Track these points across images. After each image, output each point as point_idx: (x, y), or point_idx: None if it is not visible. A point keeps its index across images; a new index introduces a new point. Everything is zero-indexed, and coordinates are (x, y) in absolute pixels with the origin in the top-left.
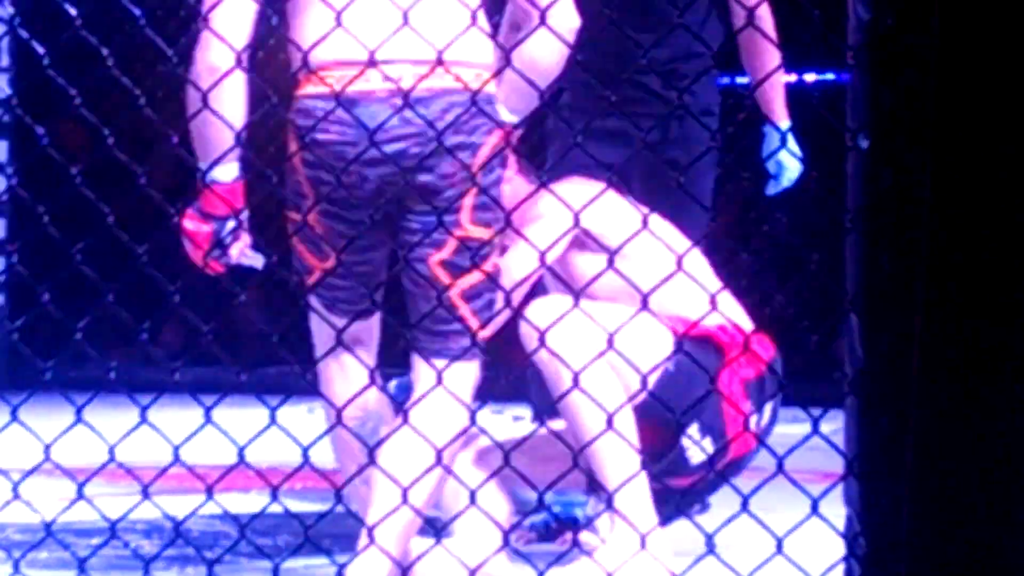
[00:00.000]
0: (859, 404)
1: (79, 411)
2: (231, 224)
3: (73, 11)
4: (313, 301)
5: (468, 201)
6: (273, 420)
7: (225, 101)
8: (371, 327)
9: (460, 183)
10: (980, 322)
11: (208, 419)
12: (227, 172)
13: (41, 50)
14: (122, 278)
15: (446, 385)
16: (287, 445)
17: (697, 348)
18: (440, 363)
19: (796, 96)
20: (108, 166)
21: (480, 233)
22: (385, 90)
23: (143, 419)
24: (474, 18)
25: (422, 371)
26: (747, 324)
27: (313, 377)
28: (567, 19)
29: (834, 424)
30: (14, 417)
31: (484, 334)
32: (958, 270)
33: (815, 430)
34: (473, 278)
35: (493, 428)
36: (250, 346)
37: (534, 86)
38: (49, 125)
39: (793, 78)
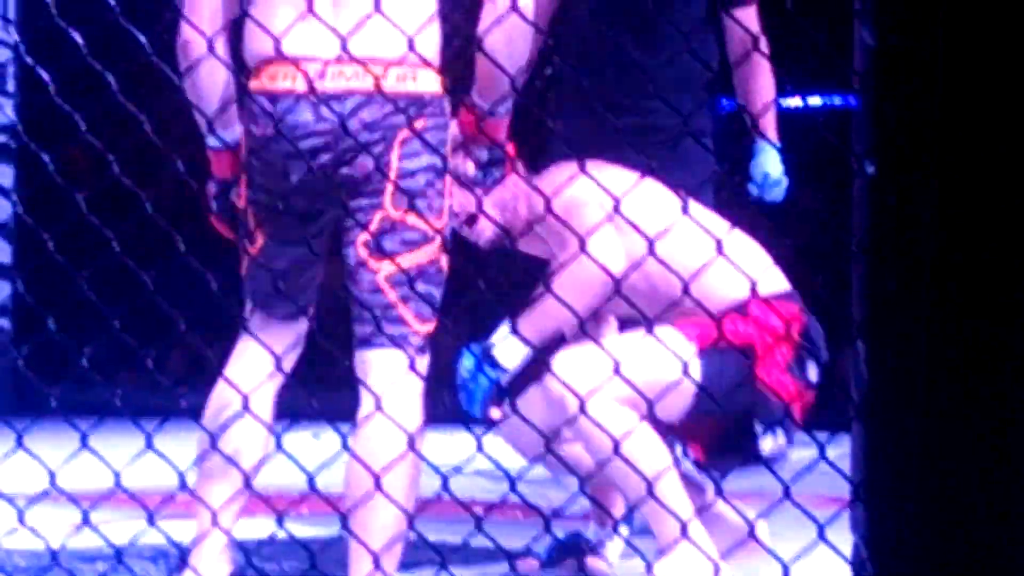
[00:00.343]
0: (865, 430)
1: (84, 438)
2: (238, 189)
3: (78, 38)
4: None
5: (390, 183)
6: (279, 446)
7: (202, 75)
8: (292, 333)
9: (379, 168)
10: (987, 345)
11: (214, 446)
12: (216, 139)
13: (46, 77)
14: (128, 304)
15: (385, 378)
16: (293, 470)
17: (726, 354)
18: (374, 354)
19: (802, 119)
20: (114, 191)
21: (406, 217)
22: (304, 88)
23: (148, 445)
24: (430, 15)
25: (358, 365)
26: (778, 283)
27: (318, 403)
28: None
29: (841, 448)
30: (19, 444)
31: (422, 328)
32: (965, 294)
33: (822, 455)
34: (403, 262)
35: (500, 456)
36: None
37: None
38: (55, 150)
39: (798, 102)
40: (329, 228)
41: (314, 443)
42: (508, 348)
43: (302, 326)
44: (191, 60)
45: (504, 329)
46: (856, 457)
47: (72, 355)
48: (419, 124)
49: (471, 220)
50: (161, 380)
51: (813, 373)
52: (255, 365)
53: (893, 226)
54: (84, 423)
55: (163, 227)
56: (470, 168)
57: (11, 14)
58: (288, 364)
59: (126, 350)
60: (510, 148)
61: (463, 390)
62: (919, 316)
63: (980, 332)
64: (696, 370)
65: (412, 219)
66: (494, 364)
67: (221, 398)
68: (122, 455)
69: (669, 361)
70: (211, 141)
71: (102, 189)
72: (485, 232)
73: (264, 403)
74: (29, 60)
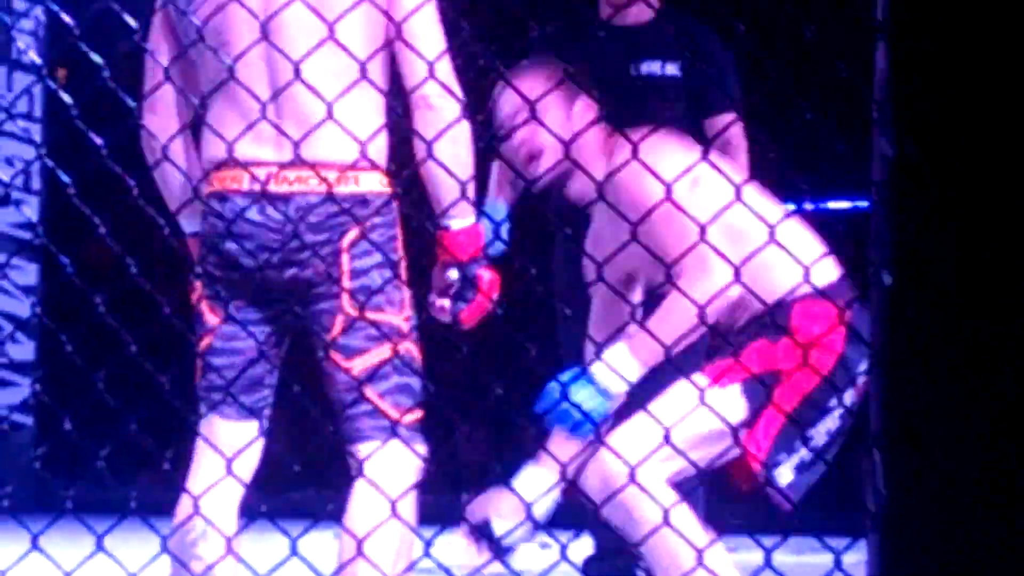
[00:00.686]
0: (881, 540)
1: (99, 541)
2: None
3: (99, 140)
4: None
5: (345, 284)
6: (294, 551)
7: (168, 168)
8: (249, 434)
9: (330, 270)
10: (1009, 457)
11: (229, 549)
12: (186, 226)
13: (66, 179)
14: (144, 405)
15: (376, 474)
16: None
17: (764, 384)
18: (362, 447)
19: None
20: (135, 288)
21: (367, 315)
22: (250, 189)
23: (164, 548)
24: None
25: (350, 463)
26: (829, 272)
27: (335, 505)
28: (450, 100)
29: (859, 554)
30: (34, 545)
31: (406, 419)
32: (985, 406)
33: (837, 566)
34: (372, 359)
35: (522, 557)
36: (273, 471)
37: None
38: (81, 243)
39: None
40: (284, 329)
41: (335, 543)
42: (616, 372)
43: (258, 426)
44: (156, 155)
45: (613, 352)
46: (872, 567)
47: (91, 453)
48: (367, 223)
49: (533, 156)
50: (178, 480)
51: (831, 421)
52: (215, 476)
53: (911, 337)
54: (103, 522)
55: (179, 327)
56: (446, 304)
57: (38, 112)
58: (249, 466)
59: (145, 449)
60: (592, 106)
61: (562, 417)
62: (937, 426)
63: (1001, 445)
64: (742, 409)
65: (373, 316)
66: (600, 390)
67: (186, 515)
68: (141, 554)
69: (715, 411)
70: (187, 226)
71: (123, 286)
72: (544, 165)
73: (228, 514)
74: (50, 162)
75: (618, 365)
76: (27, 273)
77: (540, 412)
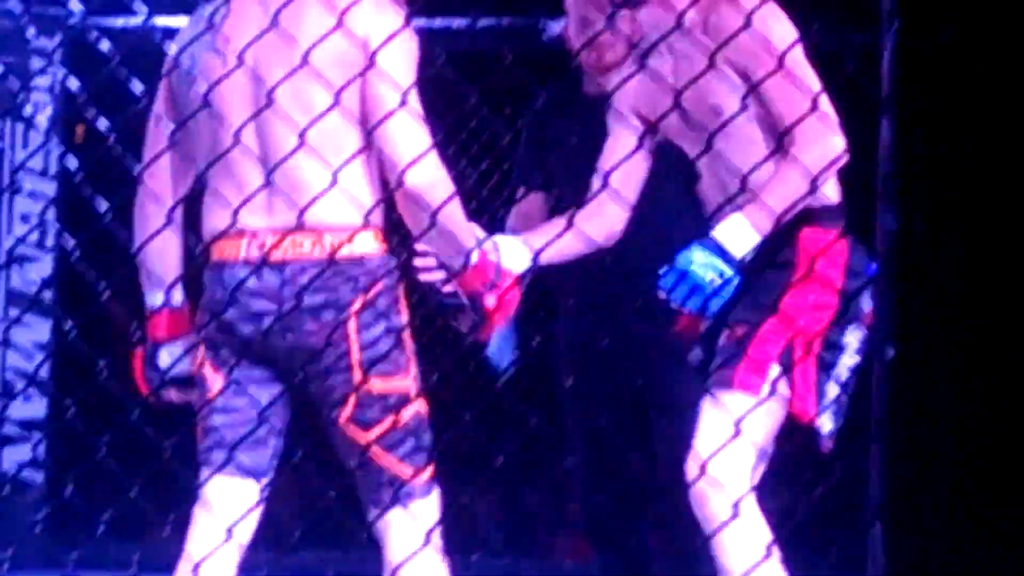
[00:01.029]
0: None
1: None
2: (173, 350)
3: (105, 202)
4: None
5: (355, 357)
6: None
7: (154, 236)
8: (247, 497)
9: (336, 342)
10: (1009, 530)
11: None
12: (158, 299)
13: (72, 242)
14: (151, 465)
15: (398, 538)
16: None
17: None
18: (389, 513)
19: None
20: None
21: (379, 385)
22: (246, 257)
23: None
24: (334, 180)
25: (373, 526)
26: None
27: (335, 569)
28: (422, 174)
29: None
30: None
31: (422, 477)
32: (984, 479)
33: None
34: (387, 426)
35: None
36: (278, 531)
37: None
38: (92, 304)
39: None
40: (288, 391)
41: None
42: (738, 235)
43: (258, 486)
44: (148, 224)
45: (732, 219)
46: None
47: (97, 512)
48: (369, 294)
49: None
50: (182, 540)
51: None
52: (212, 536)
53: (913, 409)
54: None
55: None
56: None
57: (53, 170)
58: (247, 527)
59: (149, 510)
60: None
61: (693, 291)
62: (939, 500)
63: (1004, 519)
64: (784, 384)
65: (385, 385)
66: (724, 255)
67: None
68: None
69: (767, 409)
70: (159, 299)
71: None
72: None
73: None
74: (56, 224)
75: (737, 232)
76: (40, 330)
77: (666, 289)
